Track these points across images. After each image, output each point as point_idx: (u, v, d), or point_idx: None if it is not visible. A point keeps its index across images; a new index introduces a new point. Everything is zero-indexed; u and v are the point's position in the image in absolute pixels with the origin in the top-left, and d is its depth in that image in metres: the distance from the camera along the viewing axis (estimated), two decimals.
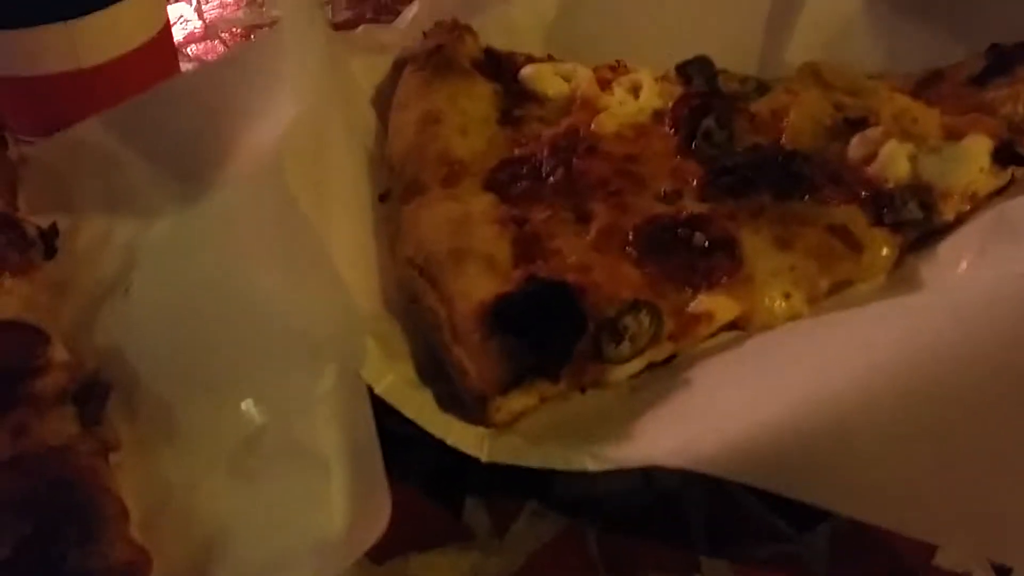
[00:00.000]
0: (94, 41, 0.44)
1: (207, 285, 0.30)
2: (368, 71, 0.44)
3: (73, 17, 0.43)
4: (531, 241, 0.35)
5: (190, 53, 0.52)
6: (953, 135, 0.37)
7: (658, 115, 0.41)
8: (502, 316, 0.31)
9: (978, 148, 0.36)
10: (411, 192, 0.37)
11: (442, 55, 0.43)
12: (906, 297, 0.32)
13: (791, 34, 0.45)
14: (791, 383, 0.27)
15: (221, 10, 0.55)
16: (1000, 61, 0.39)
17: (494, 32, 0.46)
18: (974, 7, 0.42)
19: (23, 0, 0.42)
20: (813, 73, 0.42)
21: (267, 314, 0.29)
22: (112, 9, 0.44)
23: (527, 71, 0.43)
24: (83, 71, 0.44)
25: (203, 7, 0.55)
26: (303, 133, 0.32)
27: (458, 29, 0.45)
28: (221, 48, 0.52)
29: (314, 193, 0.32)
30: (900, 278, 0.34)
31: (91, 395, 0.31)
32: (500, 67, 0.44)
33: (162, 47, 0.47)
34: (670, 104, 0.42)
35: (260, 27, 0.53)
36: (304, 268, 0.29)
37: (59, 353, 0.32)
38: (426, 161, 0.38)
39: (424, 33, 0.45)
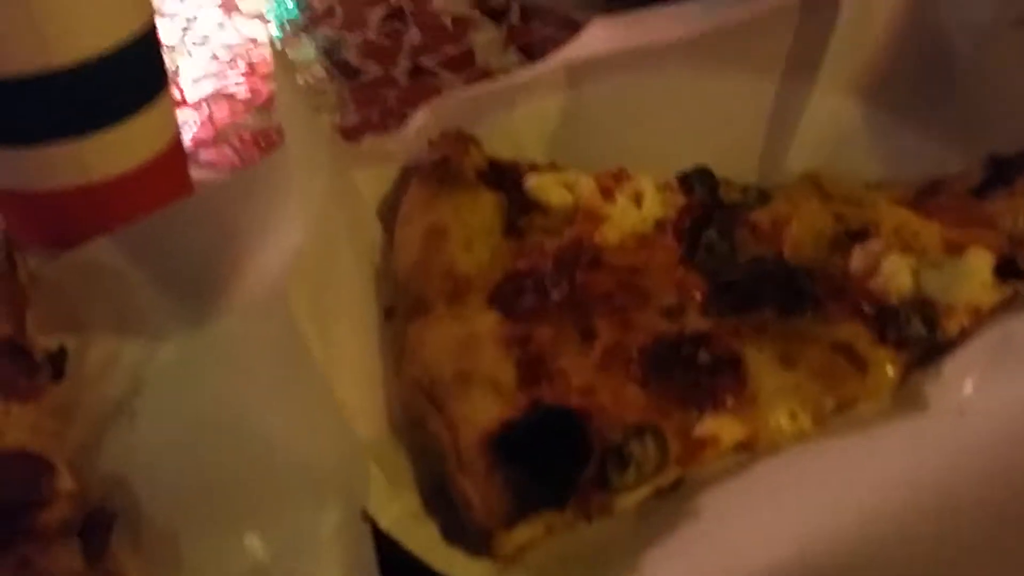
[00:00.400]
0: (105, 156, 0.44)
1: (211, 416, 0.31)
2: (375, 182, 0.44)
3: (84, 133, 0.44)
4: (536, 362, 0.35)
5: (200, 159, 0.52)
6: (954, 249, 0.37)
7: (660, 225, 0.42)
8: (507, 446, 0.31)
9: (979, 263, 0.36)
10: (416, 310, 0.38)
11: (447, 168, 0.43)
12: (912, 421, 0.32)
13: (790, 142, 0.45)
14: (798, 518, 0.27)
15: (231, 115, 0.56)
16: (999, 172, 0.39)
17: (498, 139, 0.47)
18: (973, 116, 0.43)
19: (33, 117, 0.43)
20: (813, 182, 0.42)
21: (270, 448, 0.29)
22: (123, 124, 0.44)
23: (531, 181, 0.44)
24: (93, 185, 0.45)
25: (212, 112, 0.56)
26: (310, 260, 0.33)
27: (463, 140, 0.45)
28: (231, 153, 0.53)
29: (320, 321, 0.32)
30: (905, 396, 0.34)
31: (96, 527, 0.31)
32: (504, 177, 0.44)
33: (173, 158, 0.48)
34: (672, 213, 0.42)
35: (269, 131, 0.54)
36: (308, 403, 0.29)
37: (64, 483, 0.32)
38: (431, 278, 0.39)
39: (430, 143, 0.46)
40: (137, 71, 0.44)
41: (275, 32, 0.65)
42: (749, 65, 0.46)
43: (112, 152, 0.44)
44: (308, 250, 0.33)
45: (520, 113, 0.48)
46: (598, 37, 0.52)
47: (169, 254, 0.38)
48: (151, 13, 0.45)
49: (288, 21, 0.65)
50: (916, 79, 0.44)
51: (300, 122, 0.35)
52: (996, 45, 0.42)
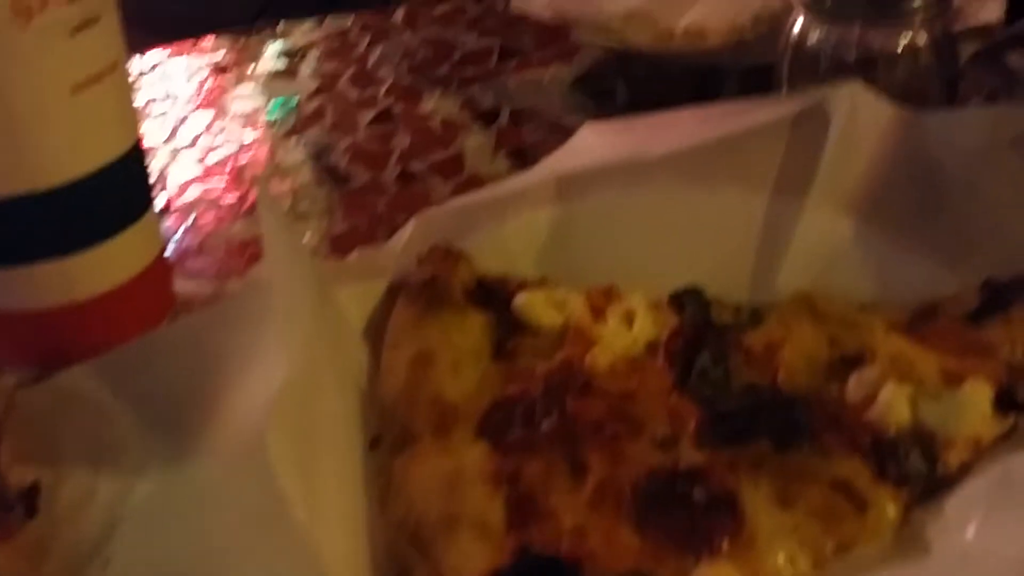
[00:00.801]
0: (89, 275, 0.44)
1: (185, 567, 0.29)
2: (362, 299, 0.44)
3: (68, 252, 0.43)
4: (525, 501, 0.34)
5: (185, 268, 0.52)
6: (952, 379, 0.36)
7: (652, 347, 0.41)
8: None
9: (979, 395, 0.36)
10: (402, 441, 0.37)
11: (435, 288, 0.43)
12: (914, 567, 0.31)
13: (782, 259, 0.45)
14: None
15: (216, 222, 0.56)
16: (995, 298, 0.39)
17: (488, 253, 0.46)
18: (966, 236, 0.42)
19: (17, 237, 0.42)
20: (806, 303, 0.42)
21: None
22: (108, 242, 0.44)
23: (520, 301, 0.43)
24: (78, 304, 0.44)
25: (198, 219, 0.56)
26: (291, 401, 0.32)
27: (451, 256, 0.45)
28: (216, 263, 0.53)
29: (302, 464, 0.31)
30: (907, 538, 0.33)
31: None
32: (493, 296, 0.44)
33: (157, 273, 0.47)
34: (664, 334, 0.41)
35: (256, 240, 0.54)
36: (286, 559, 0.28)
37: None
38: (417, 407, 0.38)
39: (418, 258, 0.45)
40: (122, 190, 0.44)
41: (271, 119, 0.65)
42: (740, 180, 0.46)
43: (97, 271, 0.44)
44: (290, 390, 0.32)
45: (510, 226, 0.48)
46: (588, 144, 0.52)
47: (149, 384, 0.37)
48: (136, 133, 0.45)
49: (278, 123, 0.65)
50: (908, 198, 0.44)
51: (284, 256, 0.35)
52: (986, 166, 0.42)
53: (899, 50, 0.49)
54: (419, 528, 0.33)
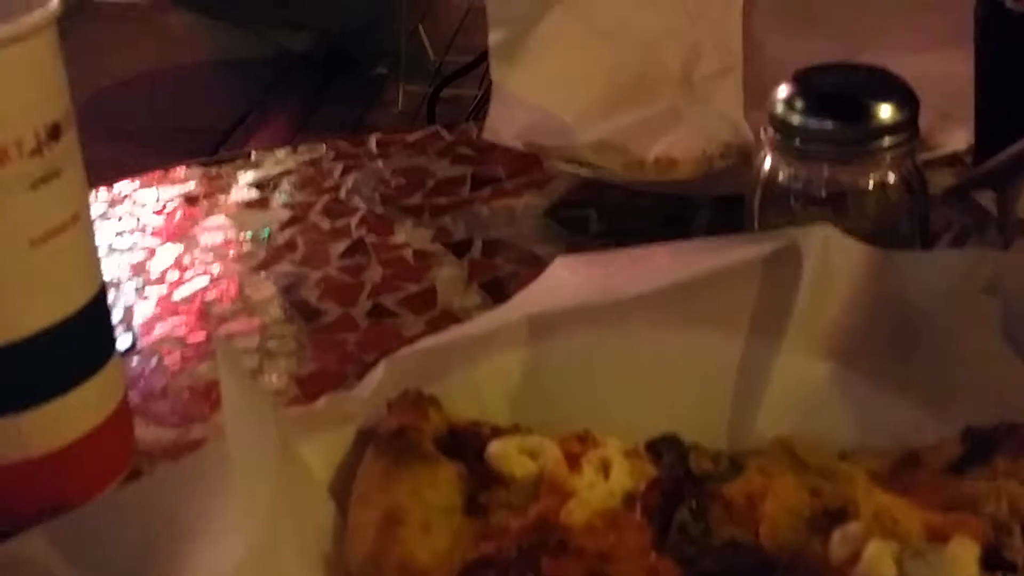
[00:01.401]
0: (47, 430, 0.43)
1: None
2: (329, 449, 0.42)
3: (26, 408, 0.42)
4: None
5: (148, 412, 0.50)
6: (937, 536, 0.35)
7: (630, 499, 0.40)
8: None
9: (965, 555, 0.34)
10: None
11: (405, 439, 0.41)
12: None
13: (760, 403, 0.44)
14: None
15: (182, 362, 0.54)
16: (977, 448, 0.38)
17: (459, 397, 0.45)
18: (945, 380, 0.42)
19: None
20: (786, 450, 0.41)
21: None
22: (68, 395, 0.43)
23: (492, 450, 0.42)
24: (33, 460, 0.43)
25: (163, 359, 0.55)
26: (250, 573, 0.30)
27: (422, 403, 0.44)
28: (180, 407, 0.51)
29: None
30: None
31: None
32: (465, 446, 0.42)
33: (118, 422, 0.46)
34: (641, 485, 0.40)
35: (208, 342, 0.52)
36: None
37: None
38: (386, 570, 0.36)
39: (388, 405, 0.44)
40: (83, 341, 0.43)
41: (241, 253, 0.64)
42: (714, 321, 0.46)
43: (55, 425, 0.43)
44: (249, 565, 0.30)
45: (482, 369, 0.47)
46: (561, 279, 0.51)
47: (104, 551, 0.35)
48: (99, 281, 0.44)
49: (248, 256, 0.65)
50: (885, 341, 0.43)
51: (244, 415, 0.34)
52: (961, 311, 0.42)
53: (869, 188, 0.49)
54: None
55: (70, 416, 0.43)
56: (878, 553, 0.35)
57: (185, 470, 0.37)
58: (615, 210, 0.67)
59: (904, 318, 0.43)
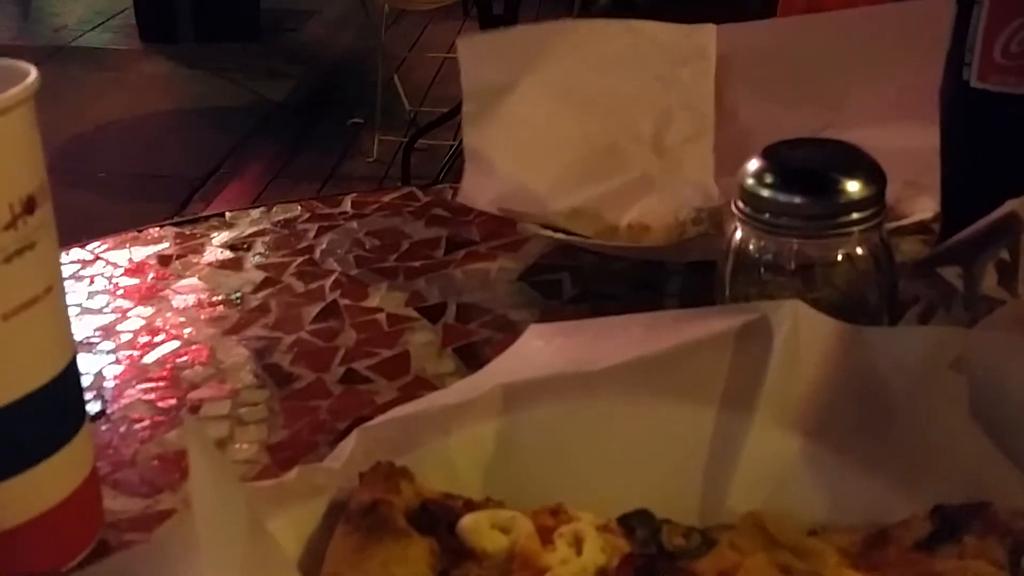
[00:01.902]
0: (12, 504, 0.42)
1: None
2: (300, 522, 0.42)
3: None
4: None
5: (116, 482, 0.50)
6: None
7: (602, 574, 0.40)
8: None
9: None
10: None
11: (376, 515, 0.41)
12: None
13: (732, 477, 0.44)
14: None
15: (152, 429, 0.54)
16: (946, 526, 0.38)
17: (432, 468, 0.45)
18: (914, 456, 0.42)
19: None
20: (757, 526, 0.41)
21: None
22: (35, 469, 0.42)
23: (464, 524, 0.42)
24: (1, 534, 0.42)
25: (132, 426, 0.54)
26: None
27: (394, 476, 0.43)
28: (150, 476, 0.51)
29: None
30: None
31: None
32: (437, 520, 0.42)
33: (87, 494, 0.45)
34: (614, 561, 0.40)
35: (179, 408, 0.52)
36: None
37: None
38: None
39: (360, 477, 0.44)
40: (53, 413, 0.43)
41: (213, 316, 0.64)
42: (686, 395, 0.46)
43: (21, 499, 0.42)
44: None
45: (455, 440, 0.47)
46: (534, 348, 0.52)
47: None
48: (71, 351, 0.44)
49: (221, 320, 0.64)
50: (854, 417, 0.44)
51: (213, 500, 0.33)
52: (929, 387, 0.42)
53: (838, 260, 0.50)
54: None
55: (39, 489, 0.42)
56: None
57: (152, 551, 0.37)
58: (589, 274, 0.67)
59: (874, 394, 0.43)
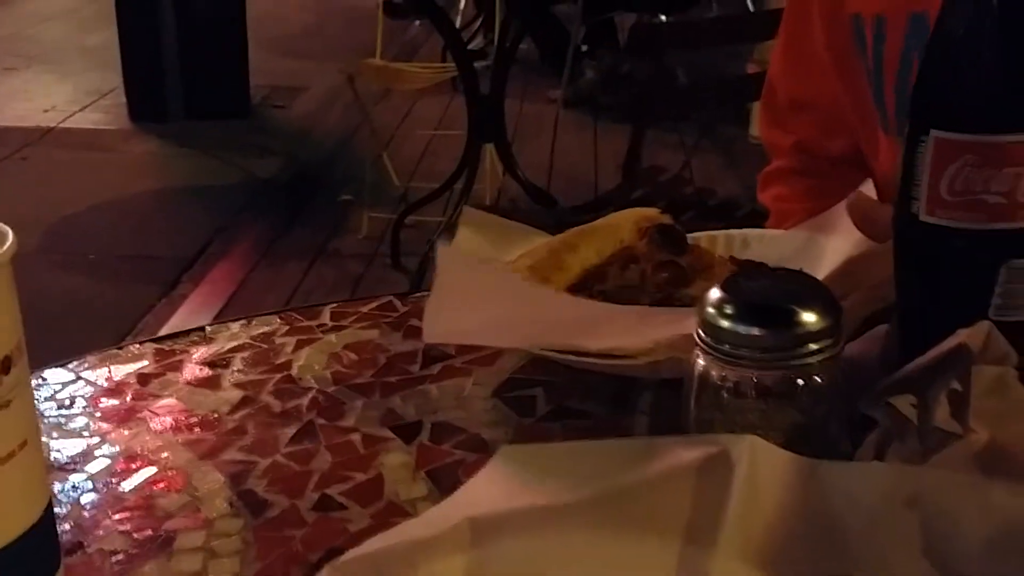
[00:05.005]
0: None
1: None
2: None
3: None
4: None
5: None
6: None
7: None
8: None
9: None
10: None
11: None
12: None
13: None
14: None
15: (127, 561, 0.55)
16: None
17: None
18: None
19: None
20: None
21: None
22: None
23: None
24: None
25: (110, 562, 0.55)
26: None
27: None
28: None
29: None
30: None
31: None
32: None
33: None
34: None
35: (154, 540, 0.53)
36: None
37: None
38: None
39: None
40: (28, 562, 0.44)
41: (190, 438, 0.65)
42: (650, 528, 0.47)
43: None
44: None
45: (423, 574, 0.47)
46: (504, 474, 0.53)
47: None
48: (47, 497, 0.45)
49: (196, 443, 0.65)
50: (812, 551, 0.45)
51: None
52: (885, 524, 0.43)
53: (797, 388, 0.51)
54: None
55: None
56: None
57: None
58: (562, 390, 0.69)
59: (830, 530, 0.44)
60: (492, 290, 0.73)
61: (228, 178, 4.27)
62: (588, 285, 0.77)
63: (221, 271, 3.52)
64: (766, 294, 0.52)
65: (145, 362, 0.75)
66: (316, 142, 4.62)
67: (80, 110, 4.86)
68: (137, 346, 0.77)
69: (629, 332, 0.66)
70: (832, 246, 0.73)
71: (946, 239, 0.51)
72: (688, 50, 3.41)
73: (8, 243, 0.41)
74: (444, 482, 0.60)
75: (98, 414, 0.69)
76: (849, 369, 0.53)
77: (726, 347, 0.51)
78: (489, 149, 3.25)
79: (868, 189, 0.72)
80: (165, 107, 4.65)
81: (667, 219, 0.81)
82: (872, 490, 0.44)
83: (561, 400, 0.68)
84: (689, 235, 0.80)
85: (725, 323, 0.51)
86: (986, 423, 0.45)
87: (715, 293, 0.52)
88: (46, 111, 4.81)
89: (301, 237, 3.72)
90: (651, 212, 0.83)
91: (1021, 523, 0.41)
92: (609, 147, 3.86)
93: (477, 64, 3.28)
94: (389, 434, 0.65)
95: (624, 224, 0.82)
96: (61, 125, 4.65)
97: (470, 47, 3.88)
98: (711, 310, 0.52)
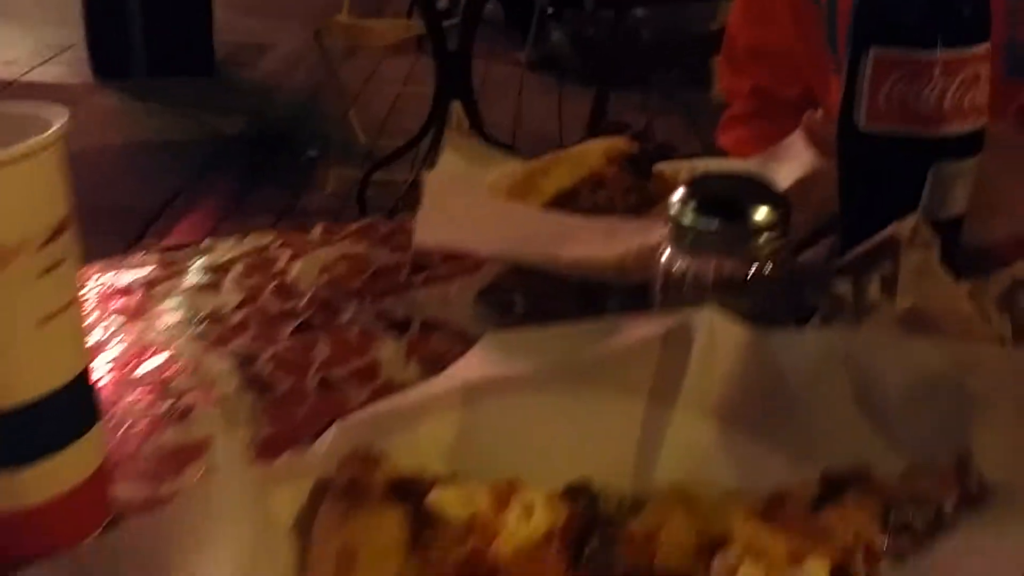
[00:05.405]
0: (39, 483, 0.49)
1: None
2: (291, 499, 0.49)
3: (21, 465, 0.48)
4: None
5: (122, 475, 0.56)
6: (797, 558, 0.43)
7: (549, 535, 0.47)
8: None
9: (817, 571, 0.43)
10: None
11: (357, 488, 0.48)
12: None
13: (658, 455, 0.52)
14: None
15: (149, 430, 0.61)
16: (831, 489, 0.46)
17: (402, 454, 0.52)
18: (810, 437, 0.50)
19: None
20: (678, 494, 0.49)
21: None
22: (58, 455, 0.49)
23: (432, 497, 0.49)
24: (28, 510, 0.48)
25: (131, 428, 0.61)
26: None
27: (370, 459, 0.51)
28: (151, 469, 0.57)
29: None
30: None
31: None
32: (408, 492, 0.49)
33: (99, 480, 0.52)
34: (559, 523, 0.48)
35: (185, 447, 0.59)
36: None
37: None
38: None
39: (340, 461, 0.51)
40: (74, 407, 0.49)
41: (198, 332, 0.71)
42: (619, 390, 0.54)
43: (46, 480, 0.48)
44: None
45: (422, 430, 0.54)
46: (489, 354, 0.59)
47: None
48: (88, 357, 0.51)
49: (203, 335, 0.71)
50: (761, 404, 0.52)
51: (232, 474, 0.41)
52: (822, 378, 0.51)
53: (749, 278, 0.58)
54: None
55: (60, 472, 0.49)
56: (749, 573, 0.43)
57: (172, 514, 0.44)
58: (538, 294, 0.75)
59: (776, 386, 0.52)
60: (475, 205, 0.79)
61: (193, 135, 4.26)
62: (561, 205, 0.83)
63: (186, 226, 3.53)
64: (724, 192, 0.59)
65: (150, 267, 0.81)
66: (282, 100, 4.62)
67: (42, 63, 4.83)
68: (142, 254, 0.83)
69: (600, 243, 0.72)
70: (784, 171, 0.80)
71: (882, 145, 0.58)
72: (654, 5, 3.46)
73: (65, 119, 0.47)
74: (434, 367, 0.66)
75: (109, 311, 0.74)
76: (798, 271, 0.60)
77: (689, 239, 0.58)
78: (456, 107, 3.29)
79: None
80: (128, 63, 4.64)
81: (634, 148, 0.88)
82: (812, 351, 0.51)
83: (537, 303, 0.75)
84: (654, 167, 0.87)
85: (688, 218, 0.58)
86: (910, 295, 0.52)
87: (680, 192, 0.59)
88: (8, 63, 4.77)
89: (267, 194, 3.74)
90: (619, 142, 0.89)
91: (934, 372, 0.48)
92: (574, 108, 3.92)
93: (444, 23, 3.32)
94: (382, 329, 0.71)
95: (594, 152, 0.88)
96: (23, 78, 4.62)
97: (437, 7, 3.91)
98: (676, 206, 0.59)
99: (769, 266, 0.58)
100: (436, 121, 3.28)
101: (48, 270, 0.46)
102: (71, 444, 0.49)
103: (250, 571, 0.39)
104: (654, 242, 0.65)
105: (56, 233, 0.47)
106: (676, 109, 4.02)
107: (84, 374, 0.50)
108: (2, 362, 0.46)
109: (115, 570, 0.42)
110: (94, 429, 0.51)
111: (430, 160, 3.32)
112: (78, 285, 0.50)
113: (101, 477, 0.52)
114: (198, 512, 0.41)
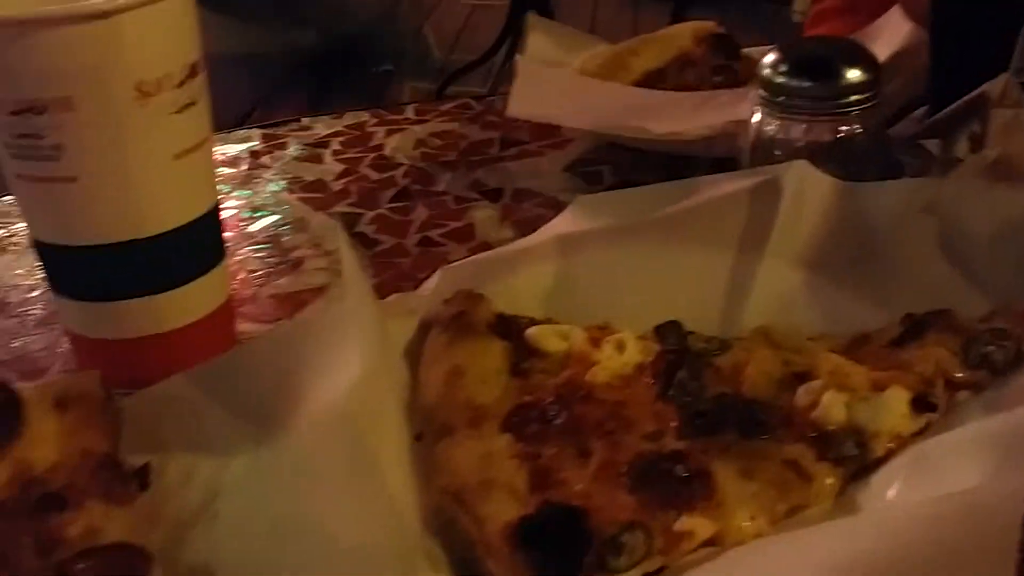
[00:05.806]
0: (175, 310, 0.53)
1: (284, 511, 0.38)
2: (399, 332, 0.53)
3: (160, 291, 0.52)
4: (543, 473, 0.43)
5: (243, 314, 0.61)
6: (878, 387, 0.46)
7: (640, 367, 0.50)
8: (525, 535, 0.38)
9: (898, 399, 0.45)
10: (442, 433, 0.46)
11: (463, 320, 0.52)
12: (846, 520, 0.40)
13: (745, 303, 0.54)
14: None
15: (265, 278, 0.65)
16: (913, 328, 0.49)
17: (501, 299, 0.56)
18: (894, 282, 0.52)
19: (120, 277, 0.52)
20: (764, 335, 0.52)
21: (336, 537, 0.37)
22: (192, 284, 0.53)
23: (531, 332, 0.52)
24: (165, 334, 0.53)
25: (250, 276, 0.65)
26: (365, 390, 0.41)
27: (474, 297, 0.54)
28: (269, 310, 0.62)
29: (373, 435, 0.40)
30: (843, 502, 0.42)
31: None
32: (510, 328, 0.53)
33: (226, 313, 0.56)
34: (650, 359, 0.51)
35: (299, 293, 0.63)
36: (369, 499, 0.37)
37: (158, 573, 0.39)
38: (454, 407, 0.47)
39: (445, 300, 0.55)
40: (205, 241, 0.54)
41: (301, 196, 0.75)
42: (710, 240, 0.56)
43: (181, 307, 0.53)
44: (365, 383, 0.41)
45: (520, 277, 0.57)
46: (580, 213, 0.62)
47: (236, 385, 0.46)
48: (217, 195, 0.55)
49: (309, 200, 0.75)
50: (848, 252, 0.54)
51: (359, 281, 0.44)
52: (905, 227, 0.53)
53: (839, 137, 0.60)
54: (461, 491, 0.42)
55: (193, 301, 0.53)
56: (832, 400, 0.46)
57: (300, 325, 0.48)
58: (626, 166, 0.78)
59: (861, 234, 0.54)
60: (565, 81, 0.81)
61: (267, 48, 4.30)
62: (649, 85, 0.85)
63: None
64: (816, 53, 0.61)
65: (255, 142, 0.85)
66: (356, 14, 4.63)
67: None
68: (244, 129, 0.87)
69: (688, 117, 0.74)
70: (881, 44, 0.81)
71: (972, 5, 0.58)
72: None
73: None
74: (526, 231, 0.69)
75: (218, 178, 0.79)
76: (888, 134, 0.61)
77: (780, 99, 0.60)
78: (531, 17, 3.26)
79: None
80: None
81: (723, 30, 0.89)
82: (898, 200, 0.53)
83: (625, 175, 0.77)
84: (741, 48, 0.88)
85: (780, 79, 0.60)
86: (998, 148, 0.53)
87: (772, 54, 0.61)
88: None
89: (341, 108, 3.78)
90: (708, 24, 0.90)
91: (1019, 218, 0.50)
92: (650, 23, 3.87)
93: None
94: (476, 195, 0.75)
95: (683, 33, 0.90)
96: None
97: None
98: (768, 69, 0.60)
99: (859, 129, 0.60)
100: (511, 34, 3.26)
101: (184, 107, 0.50)
102: (202, 276, 0.53)
103: (374, 376, 0.42)
104: (741, 115, 0.67)
105: (191, 74, 0.50)
106: (756, 26, 3.94)
107: (214, 211, 0.54)
108: (141, 193, 0.50)
109: (250, 372, 0.46)
110: (221, 264, 0.55)
111: (504, 74, 3.32)
112: (210, 128, 0.54)
113: (228, 310, 0.56)
114: (328, 321, 0.45)
